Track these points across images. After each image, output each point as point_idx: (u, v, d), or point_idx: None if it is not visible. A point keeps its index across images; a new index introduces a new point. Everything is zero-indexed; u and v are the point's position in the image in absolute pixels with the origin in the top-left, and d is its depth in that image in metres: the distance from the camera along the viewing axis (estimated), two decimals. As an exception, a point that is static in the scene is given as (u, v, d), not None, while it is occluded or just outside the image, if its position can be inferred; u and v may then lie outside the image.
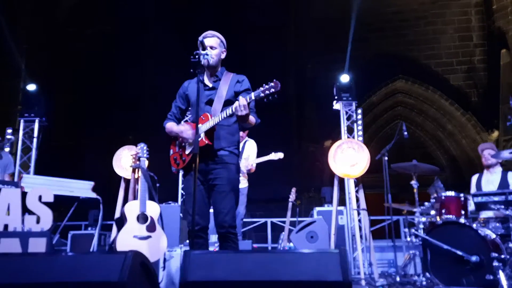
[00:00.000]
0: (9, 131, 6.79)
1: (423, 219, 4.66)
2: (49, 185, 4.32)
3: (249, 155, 5.40)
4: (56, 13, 11.41)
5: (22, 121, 7.30)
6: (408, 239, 4.79)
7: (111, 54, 10.57)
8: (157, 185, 4.64)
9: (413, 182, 4.79)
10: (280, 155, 5.47)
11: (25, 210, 3.16)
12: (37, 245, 2.92)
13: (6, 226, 3.02)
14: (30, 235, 2.95)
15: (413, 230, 4.70)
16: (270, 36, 10.83)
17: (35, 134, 7.19)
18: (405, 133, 4.95)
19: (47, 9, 11.09)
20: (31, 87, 7.30)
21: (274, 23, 11.14)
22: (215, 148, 2.99)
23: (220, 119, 2.91)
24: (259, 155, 5.45)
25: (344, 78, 6.84)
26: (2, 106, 10.20)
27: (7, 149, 5.37)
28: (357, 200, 5.87)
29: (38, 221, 3.12)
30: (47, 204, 3.21)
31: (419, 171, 4.85)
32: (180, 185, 7.52)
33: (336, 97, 6.87)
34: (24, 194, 3.19)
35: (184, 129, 3.05)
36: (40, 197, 3.19)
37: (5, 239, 2.88)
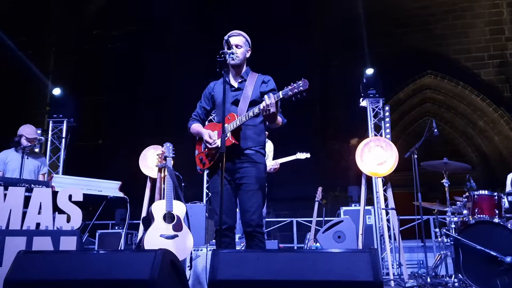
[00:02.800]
0: (39, 132, 6.97)
1: (455, 218, 4.55)
2: (79, 185, 4.41)
3: (267, 155, 5.39)
4: (83, 16, 11.67)
5: (50, 122, 7.48)
6: (439, 239, 4.68)
7: (136, 55, 10.73)
8: (183, 184, 4.66)
9: (444, 181, 4.68)
10: (306, 155, 5.41)
11: (56, 209, 3.22)
12: (68, 244, 2.97)
13: (38, 225, 3.08)
14: (61, 234, 3.00)
15: (444, 230, 4.60)
16: (294, 34, 10.76)
17: (64, 134, 7.35)
18: (435, 130, 4.82)
19: (73, 12, 11.35)
20: (56, 91, 7.46)
21: (299, 21, 11.06)
22: (241, 148, 2.97)
23: (247, 119, 2.89)
24: (284, 154, 5.41)
25: (369, 71, 6.75)
26: (31, 107, 10.50)
27: (36, 150, 5.50)
28: (385, 199, 5.76)
29: (68, 220, 3.17)
30: (76, 203, 3.26)
31: (450, 169, 4.73)
32: (205, 185, 7.56)
33: (362, 94, 6.76)
34: (54, 194, 3.25)
35: (209, 135, 3.03)
36: (70, 197, 3.24)
37: (37, 237, 2.94)
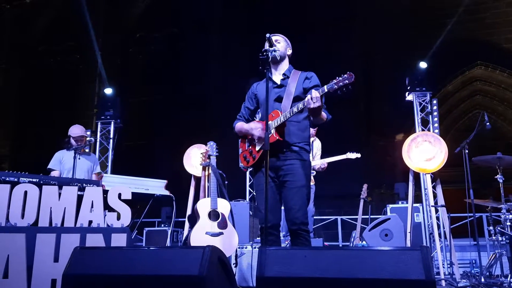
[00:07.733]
0: (88, 133, 7.26)
1: (511, 216, 4.32)
2: (127, 184, 4.54)
3: (316, 153, 5.35)
4: (126, 20, 12.06)
5: (99, 123, 7.78)
6: (493, 237, 4.47)
7: (178, 56, 10.94)
8: (226, 182, 4.70)
9: (498, 176, 4.46)
10: (357, 155, 5.35)
11: (106, 207, 3.32)
12: (119, 240, 3.07)
13: (90, 222, 3.20)
14: (112, 231, 3.10)
15: (499, 228, 4.38)
16: (337, 29, 10.59)
17: (111, 135, 7.62)
18: (487, 123, 4.60)
19: (117, 17, 11.75)
20: (108, 90, 7.74)
21: (342, 15, 10.87)
22: (285, 144, 2.96)
23: (291, 115, 2.89)
24: (329, 151, 5.35)
25: (423, 65, 6.53)
26: (79, 109, 10.97)
27: (86, 150, 5.71)
28: (434, 196, 5.55)
29: (118, 218, 3.27)
30: (125, 201, 3.35)
31: (504, 164, 4.50)
32: (248, 183, 7.60)
33: (408, 88, 6.55)
34: (105, 192, 3.36)
35: (254, 126, 3.07)
36: (119, 195, 3.33)
37: (90, 234, 3.06)
